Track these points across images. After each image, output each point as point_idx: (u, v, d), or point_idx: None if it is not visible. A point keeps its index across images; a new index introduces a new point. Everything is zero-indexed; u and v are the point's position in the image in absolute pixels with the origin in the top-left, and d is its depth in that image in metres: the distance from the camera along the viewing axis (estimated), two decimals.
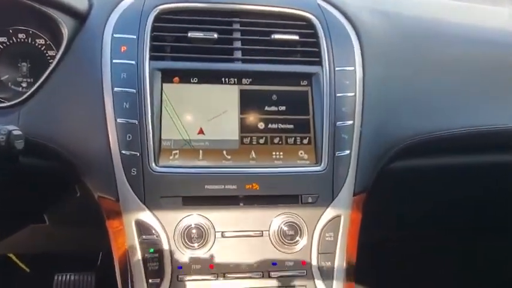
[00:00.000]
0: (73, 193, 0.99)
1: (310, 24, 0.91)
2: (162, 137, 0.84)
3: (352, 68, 0.91)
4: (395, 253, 1.56)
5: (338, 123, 0.89)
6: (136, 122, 0.83)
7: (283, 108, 0.91)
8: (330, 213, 0.84)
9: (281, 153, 0.90)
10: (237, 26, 0.89)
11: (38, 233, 1.16)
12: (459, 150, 1.00)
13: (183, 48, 0.86)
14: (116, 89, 0.82)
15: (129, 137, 0.81)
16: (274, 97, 0.92)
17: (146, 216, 0.79)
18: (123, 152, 0.81)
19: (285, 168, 0.86)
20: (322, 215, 0.84)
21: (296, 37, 0.91)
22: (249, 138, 0.88)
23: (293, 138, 0.90)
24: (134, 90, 0.83)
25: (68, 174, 0.85)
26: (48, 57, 0.95)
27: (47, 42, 0.95)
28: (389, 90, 0.93)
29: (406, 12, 1.05)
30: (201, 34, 0.88)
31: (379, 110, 0.90)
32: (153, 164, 0.81)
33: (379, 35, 0.95)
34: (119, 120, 0.82)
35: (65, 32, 0.85)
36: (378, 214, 0.98)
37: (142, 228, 0.79)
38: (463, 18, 1.10)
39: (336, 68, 0.92)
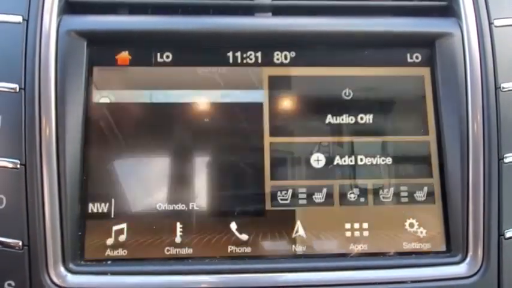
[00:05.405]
0: None
1: None
2: (88, 195, 0.53)
3: None
4: None
5: (508, 154, 0.52)
6: (18, 162, 0.49)
7: (366, 118, 0.57)
8: None
9: (365, 225, 0.54)
10: None
11: None
12: None
13: None
14: None
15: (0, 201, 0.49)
16: (348, 93, 0.57)
17: None
18: None
19: (378, 272, 0.51)
20: None
21: None
22: (289, 190, 0.54)
23: (391, 190, 0.55)
24: (17, 86, 0.51)
25: None
26: None
27: None
28: None
29: None
30: None
31: None
32: (61, 268, 0.50)
33: None
34: None
35: None
36: None
37: None
38: None
39: (495, 23, 0.55)
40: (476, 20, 0.55)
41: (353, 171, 0.54)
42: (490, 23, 0.55)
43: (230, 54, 0.56)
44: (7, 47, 0.51)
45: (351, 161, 0.54)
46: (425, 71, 0.57)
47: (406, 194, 0.54)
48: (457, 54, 0.55)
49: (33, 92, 0.50)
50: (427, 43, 0.56)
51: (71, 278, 0.48)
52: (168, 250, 0.51)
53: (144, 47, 0.55)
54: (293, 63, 0.56)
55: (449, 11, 0.56)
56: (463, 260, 0.51)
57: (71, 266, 0.49)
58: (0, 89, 0.51)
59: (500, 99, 0.52)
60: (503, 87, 0.52)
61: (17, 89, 0.50)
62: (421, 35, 0.56)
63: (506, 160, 0.51)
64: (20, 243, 0.47)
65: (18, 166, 0.49)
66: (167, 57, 0.56)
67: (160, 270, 0.49)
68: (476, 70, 0.53)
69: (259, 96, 0.56)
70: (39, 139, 0.49)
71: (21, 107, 0.50)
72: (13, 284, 0.47)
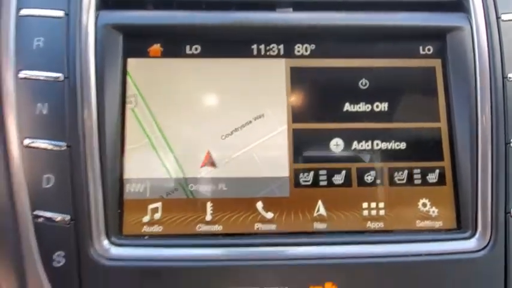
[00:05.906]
0: None
1: None
2: (125, 176, 0.56)
3: None
4: None
5: None
6: (63, 144, 0.52)
7: (382, 105, 0.58)
8: None
9: (381, 204, 0.56)
10: None
11: None
12: None
13: None
14: (22, 73, 0.54)
15: (48, 180, 0.51)
16: (364, 82, 0.59)
17: None
18: (37, 213, 0.52)
19: (393, 246, 0.54)
20: None
21: None
22: (311, 173, 0.57)
23: (405, 172, 0.57)
24: (61, 75, 0.53)
25: None
26: None
27: None
28: None
29: None
30: None
31: None
32: (104, 241, 0.53)
33: None
34: (27, 141, 0.53)
35: None
36: None
37: None
38: None
39: (502, 18, 0.58)
40: (484, 14, 0.58)
41: (369, 155, 0.57)
42: (498, 18, 0.58)
43: (254, 47, 0.60)
44: (52, 40, 0.55)
45: (368, 145, 0.57)
46: (436, 63, 0.60)
47: (419, 176, 0.57)
48: (466, 46, 0.58)
49: (75, 81, 0.54)
50: (438, 36, 0.60)
51: (114, 250, 0.52)
52: (199, 227, 0.55)
53: (175, 40, 0.58)
54: (313, 55, 0.60)
55: (460, 6, 0.60)
56: (472, 236, 0.55)
57: (114, 239, 0.52)
58: (46, 78, 0.53)
59: (507, 88, 0.56)
60: (509, 77, 0.56)
61: (61, 78, 0.54)
62: (433, 29, 0.59)
63: None
64: (68, 218, 0.51)
65: (64, 148, 0.52)
66: (196, 49, 0.59)
67: (193, 243, 0.53)
68: (485, 61, 0.57)
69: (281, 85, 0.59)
70: (82, 123, 0.53)
71: (65, 94, 0.53)
72: (63, 254, 0.51)
